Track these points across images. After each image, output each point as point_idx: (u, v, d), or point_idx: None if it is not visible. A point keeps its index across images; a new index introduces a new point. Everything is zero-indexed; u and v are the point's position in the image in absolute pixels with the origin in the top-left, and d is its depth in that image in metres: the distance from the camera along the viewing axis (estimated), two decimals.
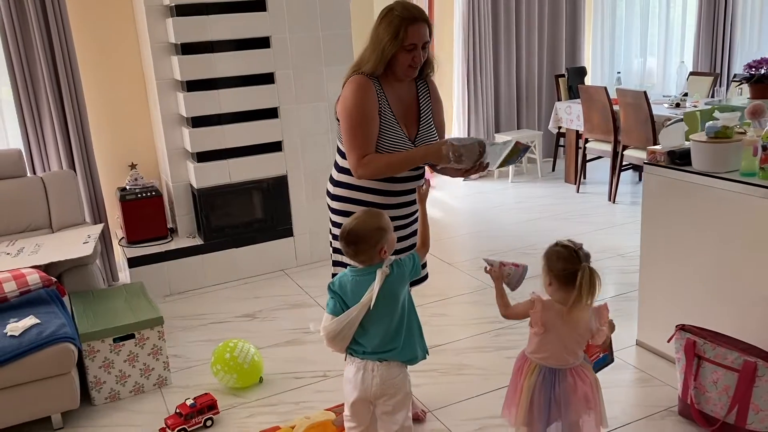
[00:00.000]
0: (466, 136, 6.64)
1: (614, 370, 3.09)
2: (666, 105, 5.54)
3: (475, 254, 4.76)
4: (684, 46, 7.56)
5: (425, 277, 2.71)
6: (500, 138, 6.61)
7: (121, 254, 4.41)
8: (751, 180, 2.63)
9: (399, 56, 2.37)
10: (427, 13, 6.44)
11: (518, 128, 7.03)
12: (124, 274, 4.36)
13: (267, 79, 4.30)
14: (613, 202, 5.69)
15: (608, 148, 5.71)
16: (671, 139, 3.02)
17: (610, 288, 3.97)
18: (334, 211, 2.53)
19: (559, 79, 6.69)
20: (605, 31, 7.36)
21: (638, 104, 5.19)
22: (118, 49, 4.52)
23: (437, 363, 3.24)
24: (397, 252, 2.45)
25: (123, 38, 4.51)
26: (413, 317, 2.19)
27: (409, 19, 2.32)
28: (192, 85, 4.12)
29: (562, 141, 6.71)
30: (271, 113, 4.37)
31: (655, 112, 5.26)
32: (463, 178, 2.46)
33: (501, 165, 2.38)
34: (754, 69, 3.13)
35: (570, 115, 6.16)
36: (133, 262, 4.20)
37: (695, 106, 5.37)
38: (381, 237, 2.07)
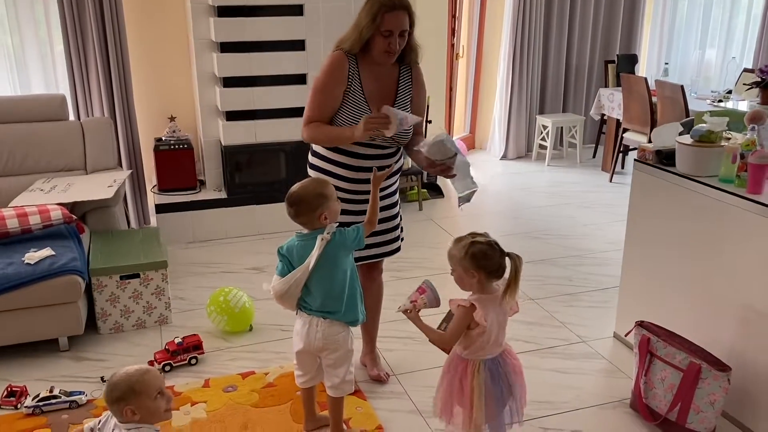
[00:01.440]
0: (507, 122, 6.65)
1: (584, 358, 3.20)
2: (708, 101, 5.40)
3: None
4: (746, 41, 7.25)
5: (397, 249, 2.87)
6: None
7: (152, 200, 4.73)
8: (727, 187, 2.64)
9: (376, 40, 2.51)
10: None
11: (563, 111, 6.98)
12: (155, 219, 4.68)
13: (298, 45, 4.48)
14: None
15: (644, 139, 5.62)
16: (664, 138, 3.03)
17: (603, 279, 4.01)
18: None
19: (609, 64, 6.58)
20: (665, 19, 7.15)
21: (675, 98, 5.09)
22: (164, 8, 4.78)
23: (414, 331, 3.33)
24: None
25: None
26: (356, 285, 2.36)
27: (388, 6, 2.45)
28: (225, 47, 4.34)
29: (605, 128, 6.63)
30: (300, 79, 4.55)
31: (695, 107, 5.15)
32: (428, 172, 2.57)
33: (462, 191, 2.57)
34: (765, 74, 3.07)
35: (612, 102, 6.08)
36: (160, 209, 4.51)
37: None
38: (321, 203, 2.23)
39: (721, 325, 2.69)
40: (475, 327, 2.17)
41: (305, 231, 2.31)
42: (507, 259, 2.16)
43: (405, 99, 2.67)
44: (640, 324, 2.75)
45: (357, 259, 2.61)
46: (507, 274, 2.18)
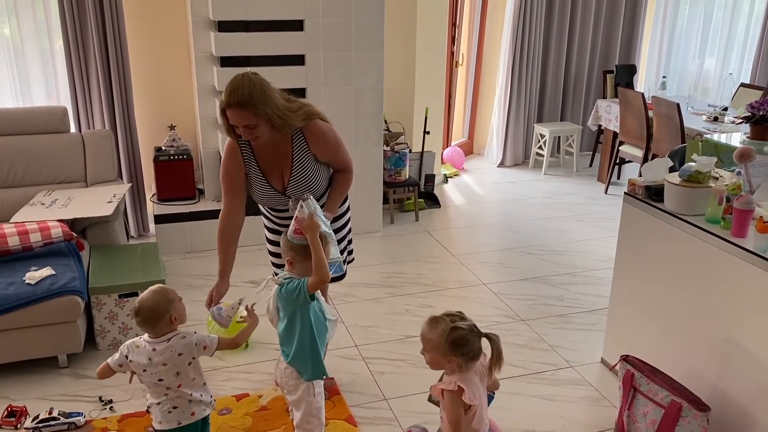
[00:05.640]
0: (505, 129, 6.69)
1: (571, 385, 3.27)
2: (704, 117, 5.45)
3: (481, 248, 4.91)
4: (745, 53, 7.28)
5: (343, 276, 2.99)
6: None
7: (151, 209, 4.79)
8: (713, 228, 2.70)
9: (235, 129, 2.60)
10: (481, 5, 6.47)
11: (561, 120, 7.02)
12: (153, 227, 4.74)
13: (297, 60, 4.52)
14: None
15: (639, 153, 5.68)
16: (654, 173, 3.08)
17: (594, 300, 4.08)
18: None
19: (608, 75, 6.61)
20: (666, 28, 7.17)
21: (671, 115, 5.14)
22: (166, 20, 4.81)
23: (407, 353, 3.48)
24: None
25: (172, 9, 4.80)
26: (315, 343, 2.43)
27: (224, 104, 2.52)
28: (225, 61, 4.38)
29: (602, 137, 6.68)
30: (299, 93, 4.58)
31: (690, 124, 5.20)
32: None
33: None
34: (755, 109, 3.12)
35: (609, 114, 6.13)
36: (159, 219, 4.57)
37: (734, 122, 5.27)
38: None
39: (703, 361, 2.76)
40: (467, 409, 2.10)
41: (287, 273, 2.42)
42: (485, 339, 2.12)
43: (303, 161, 2.71)
44: (625, 359, 2.82)
45: None
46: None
